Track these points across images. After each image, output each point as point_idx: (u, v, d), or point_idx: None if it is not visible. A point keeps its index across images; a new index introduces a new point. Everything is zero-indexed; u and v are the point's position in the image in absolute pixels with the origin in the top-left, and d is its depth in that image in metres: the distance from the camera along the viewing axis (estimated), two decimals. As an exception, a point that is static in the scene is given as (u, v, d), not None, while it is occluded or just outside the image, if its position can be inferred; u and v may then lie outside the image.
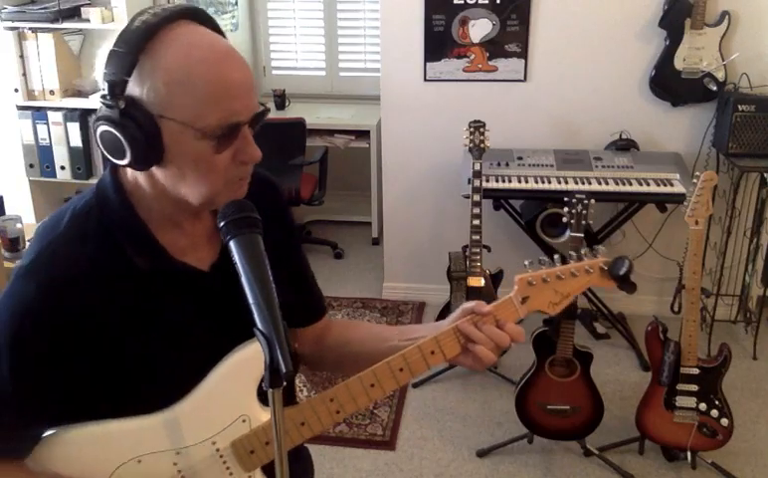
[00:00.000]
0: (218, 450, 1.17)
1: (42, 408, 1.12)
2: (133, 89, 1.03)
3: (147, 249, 1.13)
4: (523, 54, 3.50)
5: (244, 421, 1.16)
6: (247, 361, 1.11)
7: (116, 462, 1.15)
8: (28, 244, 3.15)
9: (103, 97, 1.04)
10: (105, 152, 1.07)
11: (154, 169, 1.08)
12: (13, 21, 3.70)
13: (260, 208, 1.11)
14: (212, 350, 1.14)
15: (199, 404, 1.14)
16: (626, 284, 1.22)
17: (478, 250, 3.00)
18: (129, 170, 1.11)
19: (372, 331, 1.42)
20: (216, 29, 1.10)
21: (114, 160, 1.07)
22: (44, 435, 1.14)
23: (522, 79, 3.54)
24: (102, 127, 1.04)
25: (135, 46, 1.02)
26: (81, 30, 3.90)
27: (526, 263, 1.25)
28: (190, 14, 1.08)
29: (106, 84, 1.03)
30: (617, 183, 3.21)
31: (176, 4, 1.09)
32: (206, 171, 1.06)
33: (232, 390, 1.15)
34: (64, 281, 1.07)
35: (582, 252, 1.24)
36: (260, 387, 0.98)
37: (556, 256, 1.24)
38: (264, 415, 1.16)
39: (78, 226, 1.12)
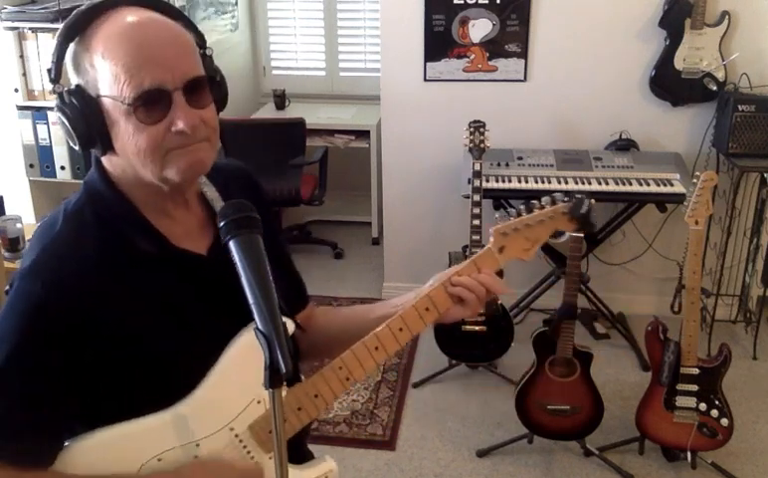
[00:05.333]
0: (237, 435, 1.17)
1: (55, 407, 1.09)
2: (75, 76, 1.08)
3: (149, 234, 1.13)
4: (523, 54, 3.50)
5: (258, 403, 1.16)
6: (254, 343, 1.07)
7: (137, 464, 1.13)
8: (27, 245, 3.16)
9: (51, 87, 1.08)
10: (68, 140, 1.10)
11: (120, 156, 1.09)
12: (13, 21, 3.70)
13: (237, 195, 1.11)
14: (214, 334, 1.14)
15: (212, 393, 1.14)
16: (587, 223, 1.32)
17: (477, 250, 2.99)
18: (114, 160, 1.12)
19: (356, 310, 1.44)
20: (162, 9, 1.10)
21: (75, 147, 1.10)
22: (65, 445, 1.12)
23: (522, 79, 3.54)
24: (56, 117, 1.09)
25: (67, 34, 1.06)
26: (81, 30, 3.89)
27: (497, 215, 1.35)
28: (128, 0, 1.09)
29: (48, 73, 1.08)
30: (617, 183, 3.21)
31: None
32: (144, 146, 1.06)
33: (242, 374, 1.14)
34: (69, 278, 1.07)
35: (543, 201, 1.34)
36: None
37: (522, 206, 1.34)
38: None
39: (74, 224, 1.12)
